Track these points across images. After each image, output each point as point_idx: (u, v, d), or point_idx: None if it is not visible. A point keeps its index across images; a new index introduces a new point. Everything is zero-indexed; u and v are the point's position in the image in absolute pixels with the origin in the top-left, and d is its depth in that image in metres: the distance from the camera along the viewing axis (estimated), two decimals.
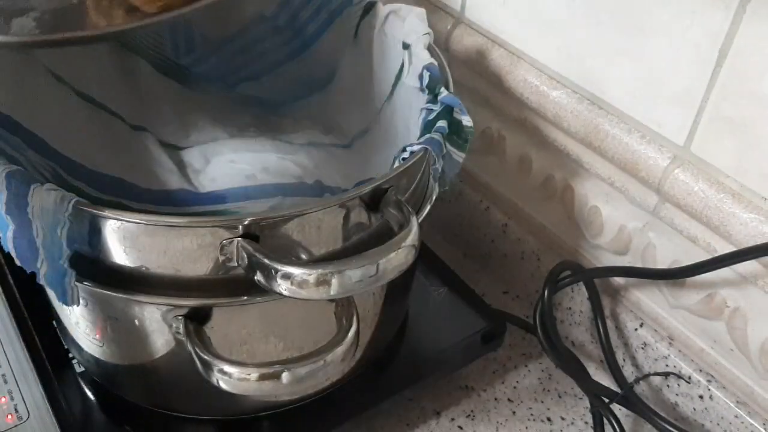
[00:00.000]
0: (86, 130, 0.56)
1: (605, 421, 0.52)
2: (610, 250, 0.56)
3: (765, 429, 0.48)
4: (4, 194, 0.36)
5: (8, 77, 0.50)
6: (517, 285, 0.65)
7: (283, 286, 0.35)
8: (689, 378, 0.52)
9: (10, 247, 0.36)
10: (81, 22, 0.41)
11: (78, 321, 0.44)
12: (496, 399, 0.56)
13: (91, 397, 0.49)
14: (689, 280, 0.50)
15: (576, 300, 0.58)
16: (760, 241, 0.44)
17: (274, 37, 0.64)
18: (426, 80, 0.49)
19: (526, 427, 0.54)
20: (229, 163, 0.62)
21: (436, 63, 0.50)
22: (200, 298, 0.39)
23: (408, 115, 0.55)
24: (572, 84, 0.54)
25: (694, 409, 0.52)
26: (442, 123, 0.45)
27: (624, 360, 0.56)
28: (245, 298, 0.39)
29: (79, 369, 0.50)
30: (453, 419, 0.54)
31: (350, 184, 0.59)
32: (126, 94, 0.60)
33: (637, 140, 0.50)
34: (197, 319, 0.40)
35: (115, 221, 0.37)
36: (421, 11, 0.55)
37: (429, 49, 0.53)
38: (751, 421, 0.49)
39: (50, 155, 0.51)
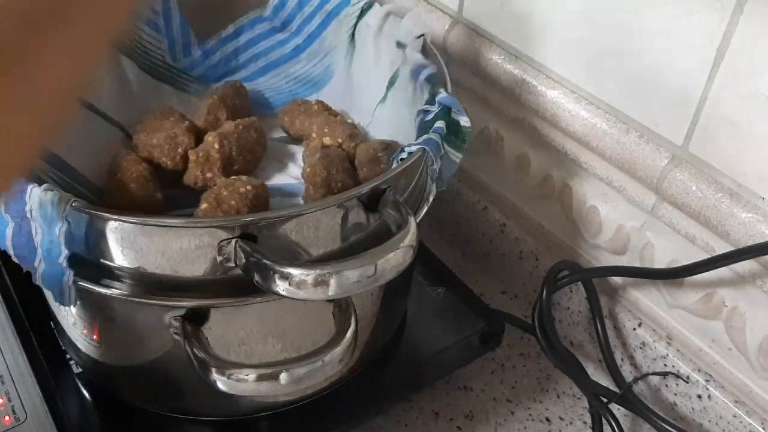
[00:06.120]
0: (85, 137, 0.56)
1: (604, 421, 0.52)
2: (609, 249, 0.56)
3: (763, 428, 0.48)
4: (2, 193, 0.36)
5: None
6: (516, 285, 0.65)
7: (281, 287, 0.35)
8: (687, 377, 0.52)
9: (8, 245, 0.36)
10: None
11: (75, 322, 0.44)
12: (494, 399, 0.56)
13: (89, 398, 0.49)
14: (687, 279, 0.50)
15: (574, 300, 0.58)
16: (758, 240, 0.44)
17: (272, 37, 0.64)
18: (421, 83, 0.49)
19: (525, 428, 0.54)
20: None
21: (430, 64, 0.50)
22: (198, 298, 0.39)
23: (402, 115, 0.55)
24: (570, 84, 0.54)
25: (693, 409, 0.52)
26: (440, 124, 0.45)
27: (622, 360, 0.56)
28: (243, 298, 0.39)
29: (76, 370, 0.50)
30: (451, 419, 0.54)
31: None
32: (122, 99, 0.60)
33: (635, 140, 0.50)
34: (195, 319, 0.40)
35: (113, 222, 0.37)
36: (418, 12, 0.55)
37: (427, 49, 0.53)
38: (750, 421, 0.49)
39: (53, 161, 0.51)
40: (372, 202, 0.40)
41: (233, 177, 0.53)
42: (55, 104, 0.19)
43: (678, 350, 0.53)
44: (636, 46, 0.48)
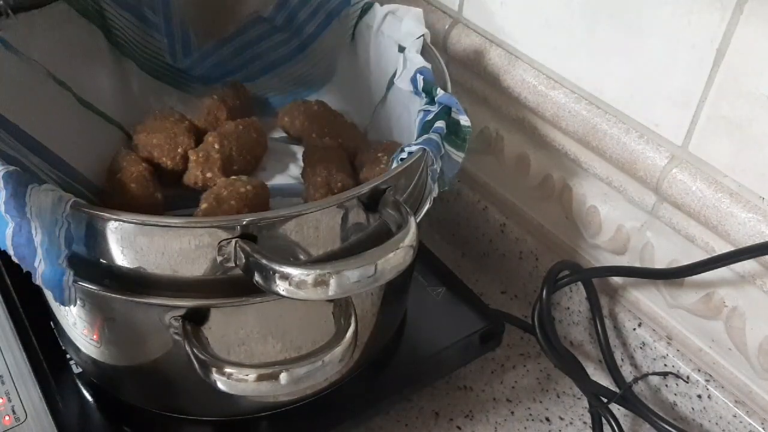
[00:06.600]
0: (86, 137, 0.56)
1: (604, 421, 0.52)
2: (609, 249, 0.56)
3: (763, 428, 0.48)
4: (3, 193, 0.36)
5: (11, 84, 0.50)
6: (516, 285, 0.65)
7: (281, 287, 0.35)
8: (688, 377, 0.52)
9: (8, 245, 0.36)
10: None
11: (75, 322, 0.44)
12: (494, 399, 0.56)
13: (89, 398, 0.49)
14: (687, 279, 0.50)
15: (574, 300, 0.58)
16: (758, 240, 0.44)
17: (272, 37, 0.64)
18: (420, 84, 0.49)
19: (525, 428, 0.54)
20: None
21: (429, 66, 0.50)
22: (198, 298, 0.39)
23: (401, 116, 0.55)
24: (570, 84, 0.54)
25: (693, 409, 0.52)
26: (440, 123, 0.45)
27: (622, 360, 0.56)
28: (243, 298, 0.39)
29: (76, 370, 0.50)
30: (451, 419, 0.54)
31: None
32: (122, 99, 0.60)
33: (635, 140, 0.50)
34: (195, 319, 0.40)
35: (113, 222, 0.37)
36: (418, 12, 0.55)
37: (427, 49, 0.53)
38: (750, 421, 0.49)
39: (54, 162, 0.51)
40: (372, 202, 0.40)
41: (233, 177, 0.53)
42: None
43: (678, 350, 0.53)
44: (636, 46, 0.48)
